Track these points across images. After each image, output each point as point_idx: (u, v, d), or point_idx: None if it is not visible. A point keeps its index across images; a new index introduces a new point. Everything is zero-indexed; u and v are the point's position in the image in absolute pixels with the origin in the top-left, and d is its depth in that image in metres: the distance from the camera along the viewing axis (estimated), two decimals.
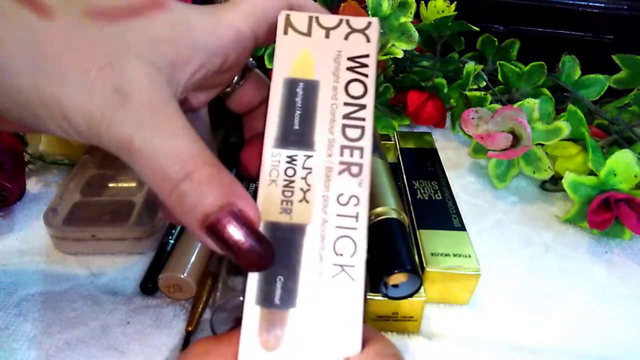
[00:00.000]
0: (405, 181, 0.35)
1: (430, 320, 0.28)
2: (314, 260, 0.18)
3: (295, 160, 0.19)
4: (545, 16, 0.51)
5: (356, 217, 0.18)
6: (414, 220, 0.31)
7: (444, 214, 0.32)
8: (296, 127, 0.19)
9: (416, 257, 0.28)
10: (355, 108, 0.20)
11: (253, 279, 0.18)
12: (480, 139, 0.38)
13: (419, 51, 0.49)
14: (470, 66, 0.43)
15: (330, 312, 0.17)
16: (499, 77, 0.45)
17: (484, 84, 0.46)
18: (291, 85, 0.20)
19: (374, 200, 0.29)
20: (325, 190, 0.19)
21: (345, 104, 0.19)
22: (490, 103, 0.42)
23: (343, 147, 0.19)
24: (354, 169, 0.19)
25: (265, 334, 0.17)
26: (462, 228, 0.31)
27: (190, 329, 0.27)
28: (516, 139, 0.38)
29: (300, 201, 0.18)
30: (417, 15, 0.47)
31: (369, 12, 0.41)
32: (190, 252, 0.29)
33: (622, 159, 0.34)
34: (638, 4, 0.49)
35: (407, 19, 0.41)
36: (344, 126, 0.19)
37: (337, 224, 0.18)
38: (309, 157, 0.19)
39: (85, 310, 0.28)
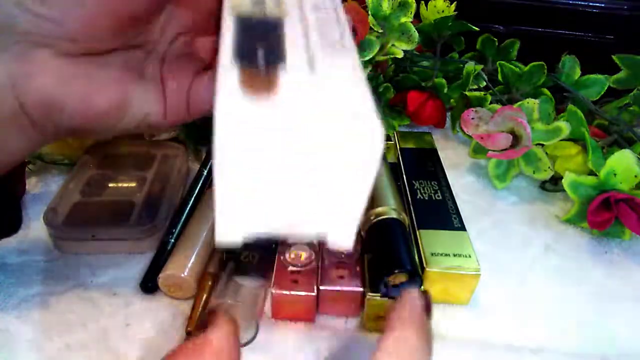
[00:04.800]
0: (405, 181, 0.35)
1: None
2: (300, 41, 0.15)
3: None
4: (545, 16, 0.51)
5: (335, 9, 0.17)
6: (414, 220, 0.31)
7: (444, 214, 0.32)
8: None
9: (416, 257, 0.28)
10: None
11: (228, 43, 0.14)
12: (480, 139, 0.38)
13: (419, 51, 0.49)
14: (470, 66, 0.43)
15: (331, 75, 0.14)
16: (499, 77, 0.45)
17: (484, 84, 0.46)
18: None
19: (374, 200, 0.29)
20: None
21: None
22: (490, 103, 0.42)
23: None
24: None
25: (250, 92, 0.13)
26: (462, 228, 0.31)
27: (190, 329, 0.27)
28: (516, 139, 0.38)
29: None
30: (417, 15, 0.47)
31: (369, 12, 0.41)
32: (190, 251, 0.29)
33: (622, 159, 0.34)
34: (638, 4, 0.49)
35: (407, 19, 0.41)
36: None
37: (317, 16, 0.17)
38: None
39: (85, 311, 0.28)
